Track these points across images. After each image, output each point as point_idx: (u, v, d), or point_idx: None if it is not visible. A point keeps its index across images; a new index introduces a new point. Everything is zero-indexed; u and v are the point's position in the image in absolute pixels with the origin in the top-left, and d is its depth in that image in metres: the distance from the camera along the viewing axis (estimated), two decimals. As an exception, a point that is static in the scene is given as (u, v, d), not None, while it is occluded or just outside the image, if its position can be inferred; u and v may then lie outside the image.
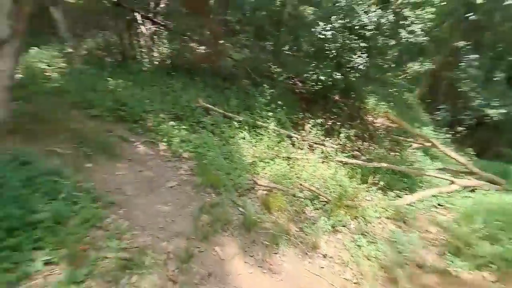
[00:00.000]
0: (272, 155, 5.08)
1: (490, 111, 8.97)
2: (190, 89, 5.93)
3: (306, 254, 3.07)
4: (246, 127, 5.55)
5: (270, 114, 5.96)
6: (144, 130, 4.71)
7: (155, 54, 7.51)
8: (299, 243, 3.21)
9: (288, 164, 5.06)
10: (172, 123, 5.05)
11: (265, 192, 4.08)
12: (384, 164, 5.22)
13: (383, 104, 9.13)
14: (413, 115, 10.25)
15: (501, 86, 9.15)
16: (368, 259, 3.14)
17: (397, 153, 7.13)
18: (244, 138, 5.37)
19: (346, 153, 6.02)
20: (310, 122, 6.63)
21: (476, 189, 5.59)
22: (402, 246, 3.52)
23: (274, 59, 7.60)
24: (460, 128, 7.88)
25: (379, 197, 4.87)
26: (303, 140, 5.96)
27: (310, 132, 6.35)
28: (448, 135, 8.17)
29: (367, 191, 4.47)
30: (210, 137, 5.00)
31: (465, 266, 3.23)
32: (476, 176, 6.08)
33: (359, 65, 6.37)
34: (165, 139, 4.62)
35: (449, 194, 5.41)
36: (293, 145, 5.80)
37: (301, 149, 5.75)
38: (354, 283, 2.72)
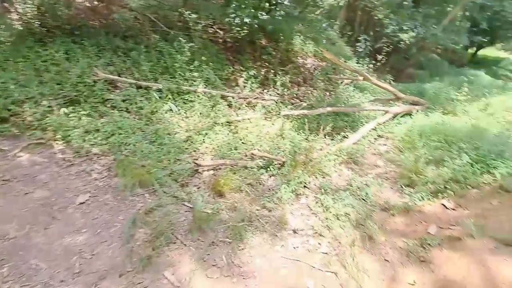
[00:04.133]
0: (209, 124, 4.28)
1: (403, 36, 9.49)
2: (78, 58, 4.36)
3: (276, 236, 2.63)
4: (170, 96, 4.48)
5: (195, 74, 4.94)
6: (22, 129, 3.31)
7: (15, 16, 5.25)
8: (264, 224, 2.74)
9: (230, 131, 4.36)
10: (64, 110, 3.68)
11: (211, 172, 3.39)
12: (329, 108, 4.97)
13: (309, 43, 8.76)
14: (337, 50, 10.29)
15: (409, 10, 9.60)
16: (338, 218, 2.88)
17: (332, 93, 7.06)
18: (171, 110, 4.35)
19: (287, 104, 5.59)
20: (242, 75, 5.84)
21: (406, 114, 5.91)
22: (364, 193, 3.40)
23: (185, 2, 6.16)
24: (380, 57, 8.11)
25: (328, 143, 4.70)
26: (239, 98, 5.23)
27: (244, 87, 5.61)
28: (370, 65, 8.42)
29: (318, 141, 4.18)
30: (125, 118, 3.85)
31: (422, 197, 3.30)
32: (403, 101, 6.46)
33: (283, 1, 5.59)
34: (59, 135, 3.34)
35: (385, 124, 5.60)
36: (230, 106, 5.04)
37: (240, 109, 5.05)
38: (335, 255, 2.42)
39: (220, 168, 3.41)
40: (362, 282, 2.16)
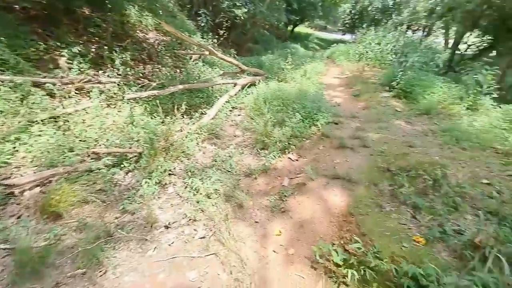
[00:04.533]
0: (20, 125, 3.10)
1: (237, 12, 10.18)
2: None
3: (146, 240, 2.31)
4: None
5: (-26, 55, 3.36)
6: None
7: None
8: (129, 232, 2.34)
9: (59, 128, 3.36)
10: None
11: (37, 190, 2.50)
12: (181, 86, 4.71)
13: (147, 15, 7.86)
14: (180, 25, 9.87)
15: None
16: (209, 197, 2.87)
17: (182, 69, 6.78)
18: None
19: (132, 85, 4.87)
20: (63, 54, 4.52)
21: (252, 85, 6.52)
22: (228, 164, 3.54)
23: None
24: (221, 32, 8.43)
25: (187, 122, 4.54)
26: (64, 84, 4.06)
27: (70, 69, 4.40)
28: (214, 40, 8.64)
29: (175, 122, 3.93)
30: None
31: (274, 156, 3.80)
32: (247, 73, 7.09)
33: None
34: None
35: (237, 96, 5.99)
36: (52, 95, 3.85)
37: (68, 98, 3.95)
38: (212, 235, 2.41)
39: (50, 182, 2.57)
40: (240, 251, 2.27)
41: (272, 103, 5.27)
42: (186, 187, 3.03)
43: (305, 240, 2.34)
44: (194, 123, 4.48)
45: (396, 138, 3.94)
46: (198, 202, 2.78)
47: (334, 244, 2.19)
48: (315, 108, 4.95)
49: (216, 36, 8.78)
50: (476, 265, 1.80)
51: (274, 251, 2.28)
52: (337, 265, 1.98)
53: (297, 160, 3.81)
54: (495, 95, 5.57)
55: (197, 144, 4.05)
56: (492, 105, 5.40)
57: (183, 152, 3.66)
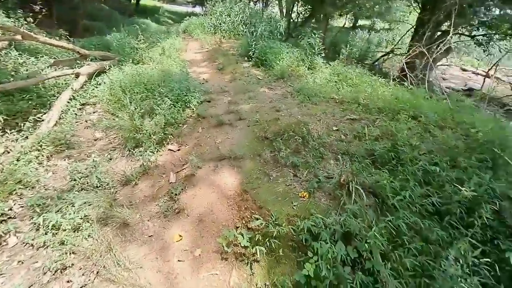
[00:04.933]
0: None
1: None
2: None
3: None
4: None
5: None
6: None
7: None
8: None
9: None
10: None
11: None
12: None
13: None
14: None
15: None
16: (78, 230, 2.25)
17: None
18: None
19: None
20: None
21: (102, 72, 5.39)
22: (95, 178, 2.86)
23: None
24: (36, 7, 6.33)
25: (15, 138, 3.31)
26: None
27: None
28: (29, 19, 6.44)
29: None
30: None
31: (152, 151, 3.36)
32: (92, 58, 5.78)
33: None
34: None
35: (84, 89, 4.84)
36: None
37: None
38: (96, 278, 1.90)
39: None
40: (139, 279, 1.91)
41: (134, 90, 4.55)
42: (38, 229, 2.24)
43: (209, 234, 2.23)
44: (27, 137, 3.31)
45: (264, 105, 4.26)
46: (63, 243, 2.11)
47: (237, 227, 2.19)
48: (184, 88, 4.64)
49: (31, 14, 6.54)
50: (345, 200, 2.21)
51: (180, 260, 2.06)
52: (245, 247, 2.00)
53: (179, 149, 3.52)
54: (323, 55, 6.89)
55: (40, 164, 3.04)
56: (323, 63, 6.69)
57: (19, 182, 2.65)
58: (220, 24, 10.91)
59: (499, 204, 2.01)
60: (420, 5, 9.91)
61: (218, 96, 4.88)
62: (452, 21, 6.96)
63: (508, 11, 7.04)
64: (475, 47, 10.87)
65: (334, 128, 3.15)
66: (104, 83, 5.04)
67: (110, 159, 3.35)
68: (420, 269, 1.82)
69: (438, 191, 2.13)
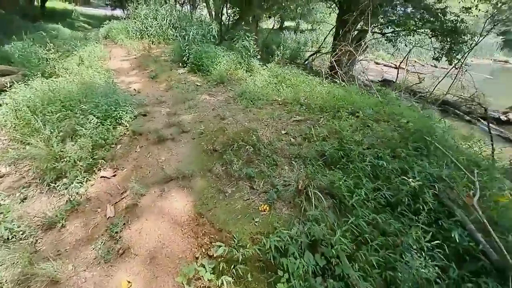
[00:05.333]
0: None
1: None
2: None
3: None
4: None
5: None
6: None
7: None
8: None
9: None
10: None
11: None
12: None
13: None
14: None
15: None
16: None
17: None
18: None
19: None
20: None
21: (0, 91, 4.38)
22: (3, 230, 2.25)
23: None
24: None
25: None
26: None
27: None
28: None
29: None
30: None
31: (80, 181, 2.82)
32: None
33: None
34: None
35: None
36: None
37: None
38: None
39: None
40: None
41: (47, 109, 3.81)
42: None
43: (164, 273, 1.92)
44: None
45: (208, 113, 4.02)
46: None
47: (197, 258, 1.95)
48: (113, 103, 4.07)
49: None
50: (306, 206, 2.16)
51: (131, 314, 1.72)
52: (210, 280, 1.78)
53: (114, 175, 3.04)
54: (258, 57, 6.95)
55: None
56: (259, 65, 6.75)
57: None
58: (146, 28, 10.12)
59: (437, 187, 2.22)
60: (338, 7, 10.85)
61: (154, 108, 4.43)
62: (368, 21, 7.79)
63: (412, 9, 8.20)
64: (386, 42, 12.48)
65: (283, 132, 3.12)
66: (6, 104, 4.10)
67: (24, 199, 2.71)
68: (384, 263, 1.87)
69: (387, 184, 2.26)
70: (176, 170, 2.73)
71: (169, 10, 10.65)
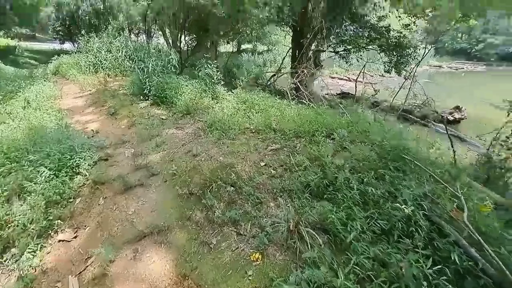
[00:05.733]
0: None
1: None
2: None
3: None
4: None
5: None
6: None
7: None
8: None
9: None
10: None
11: None
12: None
13: None
14: None
15: None
16: None
17: None
18: None
19: None
20: None
21: None
22: None
23: None
24: None
25: None
26: None
27: None
28: None
29: None
30: None
31: (32, 252, 2.35)
32: None
33: None
34: None
35: None
36: None
37: None
38: None
39: None
40: None
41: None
42: None
43: None
44: None
45: (178, 150, 3.75)
46: None
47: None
48: (67, 149, 3.63)
49: None
50: (300, 247, 1.99)
51: None
52: None
53: (75, 237, 2.60)
54: (222, 82, 6.90)
55: None
56: (224, 90, 6.70)
57: None
58: (101, 61, 9.65)
59: (425, 206, 2.20)
60: (292, 29, 11.41)
61: (117, 149, 4.04)
62: (323, 41, 8.25)
63: (359, 30, 8.88)
64: (339, 59, 13.34)
65: (262, 164, 2.97)
66: None
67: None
68: (391, 301, 1.75)
69: (377, 210, 2.19)
70: (150, 223, 2.41)
71: (124, 41, 10.33)
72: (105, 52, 9.87)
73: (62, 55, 11.91)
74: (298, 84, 6.93)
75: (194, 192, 2.66)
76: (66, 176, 3.26)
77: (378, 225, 2.09)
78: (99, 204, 2.91)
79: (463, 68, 28.81)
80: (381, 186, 2.37)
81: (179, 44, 12.56)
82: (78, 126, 5.19)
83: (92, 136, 4.58)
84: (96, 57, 9.78)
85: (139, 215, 2.60)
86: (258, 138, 3.72)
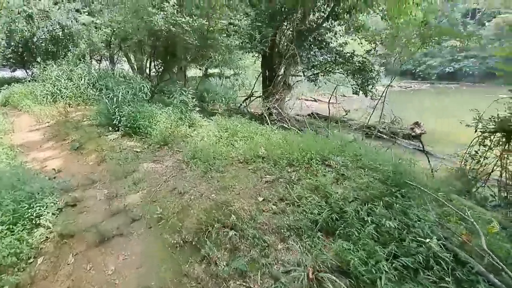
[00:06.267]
0: None
1: None
2: None
3: None
4: None
5: None
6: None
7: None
8: None
9: None
10: None
11: None
12: None
13: None
14: None
15: None
16: None
17: None
18: None
19: None
20: None
21: None
22: None
23: None
24: None
25: None
26: None
27: None
28: None
29: None
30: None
31: None
32: None
33: None
34: None
35: None
36: None
37: None
38: None
39: None
40: None
41: None
42: None
43: None
44: None
45: (160, 188, 3.36)
46: None
47: None
48: (24, 196, 3.06)
49: None
50: (323, 300, 1.74)
51: None
52: None
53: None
54: (198, 109, 6.67)
55: None
56: (200, 117, 6.47)
57: None
58: (60, 90, 8.88)
59: (442, 235, 2.11)
60: (261, 55, 11.72)
61: (86, 191, 3.51)
62: (294, 66, 8.52)
63: (326, 56, 9.36)
64: (309, 82, 13.91)
65: (260, 199, 2.72)
66: None
67: None
68: None
69: (396, 244, 2.04)
70: (137, 285, 2.00)
71: (86, 69, 9.71)
72: (65, 80, 9.14)
73: (13, 83, 10.82)
74: (277, 108, 6.93)
75: (188, 240, 2.30)
76: (23, 230, 2.70)
77: (401, 262, 1.93)
78: (68, 264, 2.40)
79: (411, 87, 31.91)
80: (393, 216, 2.24)
81: (146, 70, 12.16)
82: (36, 165, 4.52)
83: (54, 177, 3.97)
84: (54, 86, 8.98)
85: (121, 274, 2.16)
86: (249, 169, 3.48)
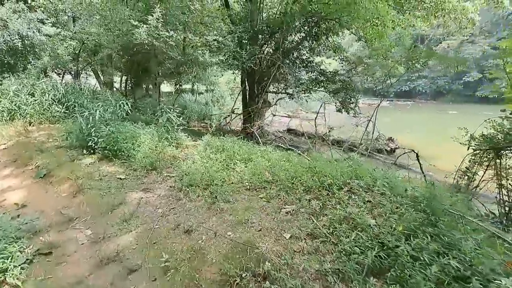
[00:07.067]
0: None
1: None
2: None
3: None
4: None
5: None
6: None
7: None
8: None
9: None
10: None
11: None
12: None
13: None
14: None
15: None
16: None
17: None
18: None
19: None
20: None
21: None
22: None
23: None
24: None
25: None
26: None
27: None
28: None
29: None
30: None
31: None
32: None
33: None
34: None
35: None
36: None
37: None
38: None
39: None
40: None
41: None
42: None
43: None
44: None
45: (158, 225, 2.83)
46: None
47: None
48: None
49: None
50: None
51: None
52: None
53: None
54: (182, 127, 6.21)
55: None
56: (185, 136, 6.02)
57: None
58: (19, 107, 7.85)
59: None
60: (243, 72, 11.61)
61: (62, 233, 2.85)
62: (277, 84, 8.45)
63: (310, 74, 9.48)
64: (289, 100, 14.02)
65: (287, 236, 2.35)
66: None
67: None
68: None
69: (460, 288, 1.78)
70: None
71: (52, 84, 8.78)
72: (25, 95, 8.11)
73: (-42, 100, 9.41)
74: (261, 125, 6.69)
75: (210, 298, 1.84)
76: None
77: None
78: None
79: (374, 104, 34.22)
80: (446, 251, 2.00)
81: (115, 85, 11.35)
82: (-10, 199, 3.71)
83: (18, 215, 3.22)
84: (12, 102, 7.92)
85: None
86: (260, 198, 3.10)
